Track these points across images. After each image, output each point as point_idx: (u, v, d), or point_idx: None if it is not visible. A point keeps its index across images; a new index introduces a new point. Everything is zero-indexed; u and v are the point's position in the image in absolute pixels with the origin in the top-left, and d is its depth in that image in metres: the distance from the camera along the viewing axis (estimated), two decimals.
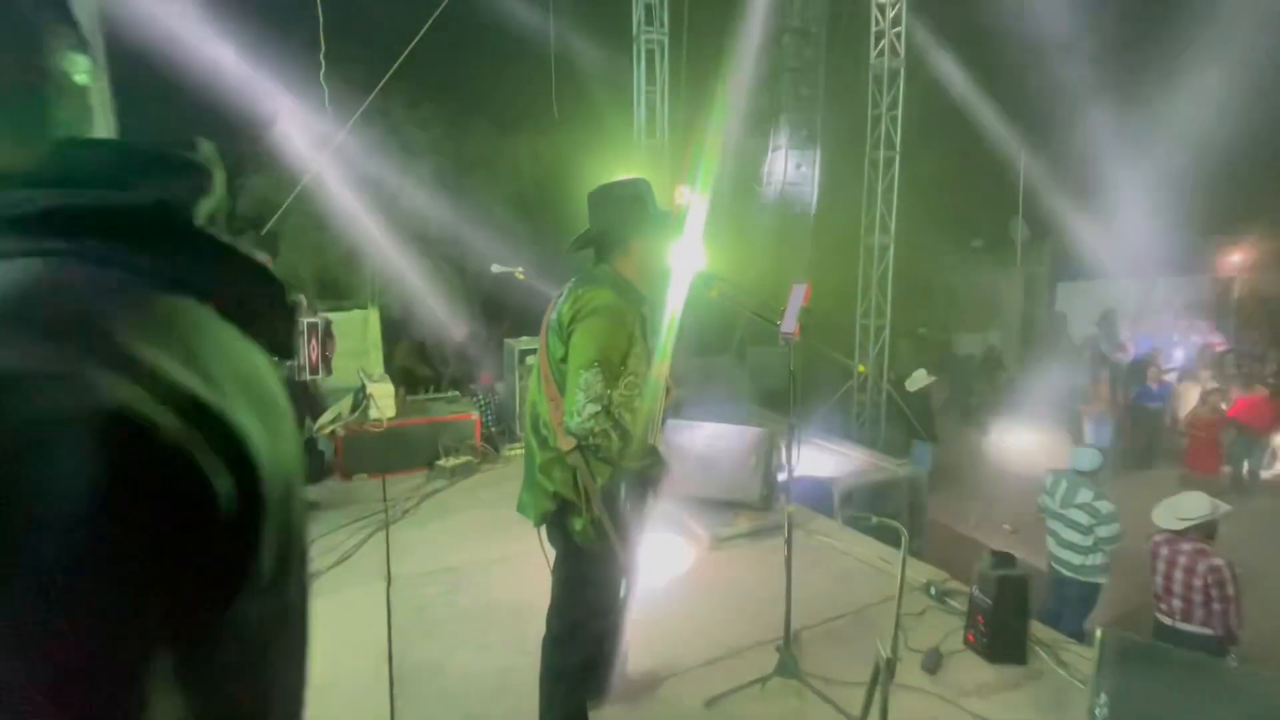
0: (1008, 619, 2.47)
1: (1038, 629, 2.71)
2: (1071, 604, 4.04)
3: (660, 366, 2.21)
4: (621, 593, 1.74)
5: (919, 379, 6.79)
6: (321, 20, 5.67)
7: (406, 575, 3.39)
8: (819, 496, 4.24)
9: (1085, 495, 3.89)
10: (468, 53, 8.30)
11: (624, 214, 1.81)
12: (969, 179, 9.61)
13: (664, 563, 3.49)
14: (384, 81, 6.49)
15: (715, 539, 3.61)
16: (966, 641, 2.60)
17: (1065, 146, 10.10)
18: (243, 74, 6.35)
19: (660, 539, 3.74)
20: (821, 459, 4.80)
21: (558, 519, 1.78)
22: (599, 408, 1.61)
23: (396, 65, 6.46)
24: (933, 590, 2.98)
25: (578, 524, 1.74)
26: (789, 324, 2.05)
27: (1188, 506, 3.36)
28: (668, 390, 2.11)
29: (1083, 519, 3.88)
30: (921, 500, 4.47)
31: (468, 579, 3.32)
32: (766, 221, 7.71)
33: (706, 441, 4.04)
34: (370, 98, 6.61)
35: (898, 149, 7.43)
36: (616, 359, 1.69)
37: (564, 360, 1.71)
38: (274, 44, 6.01)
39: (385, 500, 4.51)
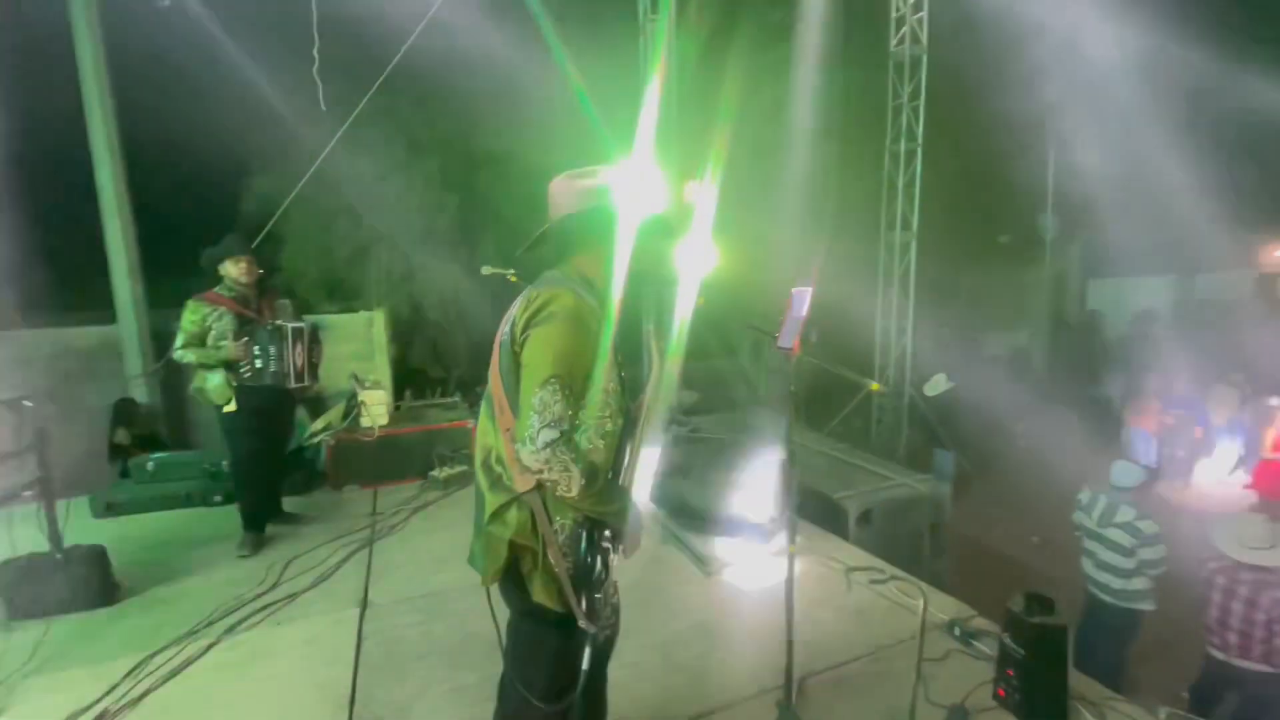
0: (1044, 673, 2.16)
1: (1081, 682, 2.39)
2: (1109, 631, 3.68)
3: (655, 374, 1.95)
4: (583, 666, 1.44)
5: (938, 384, 6.41)
6: (315, 13, 5.48)
7: (383, 602, 3.16)
8: (832, 515, 3.93)
9: (1126, 514, 3.54)
10: (474, 46, 8.07)
11: (589, 207, 1.53)
12: (994, 172, 9.14)
13: (654, 589, 3.22)
14: (383, 77, 6.30)
15: (716, 563, 3.33)
16: (996, 696, 2.29)
17: (1098, 135, 9.59)
18: (240, 71, 6.21)
19: (653, 561, 3.47)
20: (836, 473, 4.48)
21: (512, 574, 1.51)
22: (557, 434, 1.33)
23: (394, 62, 6.26)
24: (957, 630, 2.66)
25: (535, 580, 1.47)
26: (787, 338, 1.75)
27: (1254, 533, 2.99)
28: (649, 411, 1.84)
29: (1124, 540, 3.52)
30: (944, 518, 4.13)
31: (448, 605, 3.09)
32: (784, 217, 7.38)
33: (711, 454, 3.76)
34: (370, 94, 6.42)
35: (919, 141, 7.05)
36: (580, 373, 1.41)
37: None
38: (269, 40, 5.85)
39: (374, 514, 4.31)
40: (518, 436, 1.36)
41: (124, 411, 6.67)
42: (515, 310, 1.49)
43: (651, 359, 2.03)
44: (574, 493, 1.39)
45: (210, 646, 2.76)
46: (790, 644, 2.15)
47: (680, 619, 2.97)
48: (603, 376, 1.48)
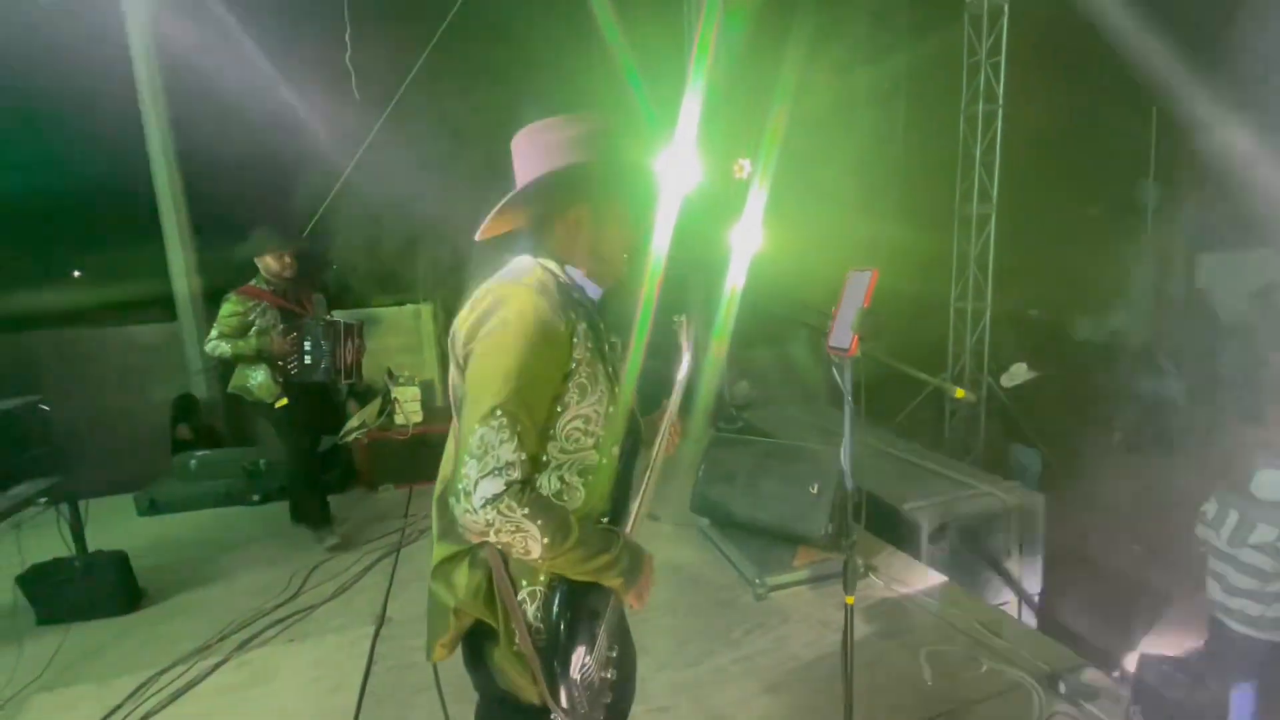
0: None
1: None
2: (1244, 667, 3.07)
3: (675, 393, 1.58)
4: None
5: (1017, 374, 5.72)
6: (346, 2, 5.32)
7: (402, 618, 2.94)
8: (902, 529, 3.44)
9: (1266, 533, 2.91)
10: (519, 33, 7.82)
11: (562, 164, 1.15)
12: (1085, 135, 8.14)
13: (693, 612, 2.85)
14: (417, 67, 6.12)
15: (762, 585, 2.93)
16: None
17: (1209, 90, 8.40)
18: (278, 66, 6.17)
19: (692, 580, 3.11)
20: (905, 478, 3.97)
21: (473, 646, 1.18)
22: (502, 485, 0.99)
23: (428, 50, 6.06)
24: (1062, 687, 2.17)
25: (497, 660, 1.14)
26: (841, 335, 1.34)
27: None
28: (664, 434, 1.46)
29: (1262, 563, 2.90)
30: (1036, 533, 3.56)
31: None
32: (844, 193, 6.78)
33: (758, 459, 3.35)
34: (406, 82, 6.27)
35: (1000, 102, 6.28)
36: (540, 399, 1.07)
37: None
38: (302, 30, 5.75)
39: (406, 516, 4.14)
40: (450, 489, 1.02)
41: (184, 407, 6.84)
42: (459, 315, 1.14)
43: (682, 358, 1.66)
44: (534, 555, 1.04)
45: (217, 666, 2.60)
46: (849, 708, 1.74)
47: (721, 651, 2.60)
48: (578, 395, 1.13)
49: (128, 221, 7.29)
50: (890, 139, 6.73)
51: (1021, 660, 2.37)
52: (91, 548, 3.20)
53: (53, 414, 3.30)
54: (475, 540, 1.08)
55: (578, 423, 1.14)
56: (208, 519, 4.29)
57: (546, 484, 1.14)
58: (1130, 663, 2.46)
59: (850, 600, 1.70)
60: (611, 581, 1.16)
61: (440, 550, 1.16)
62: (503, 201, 1.17)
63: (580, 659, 1.13)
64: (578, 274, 1.22)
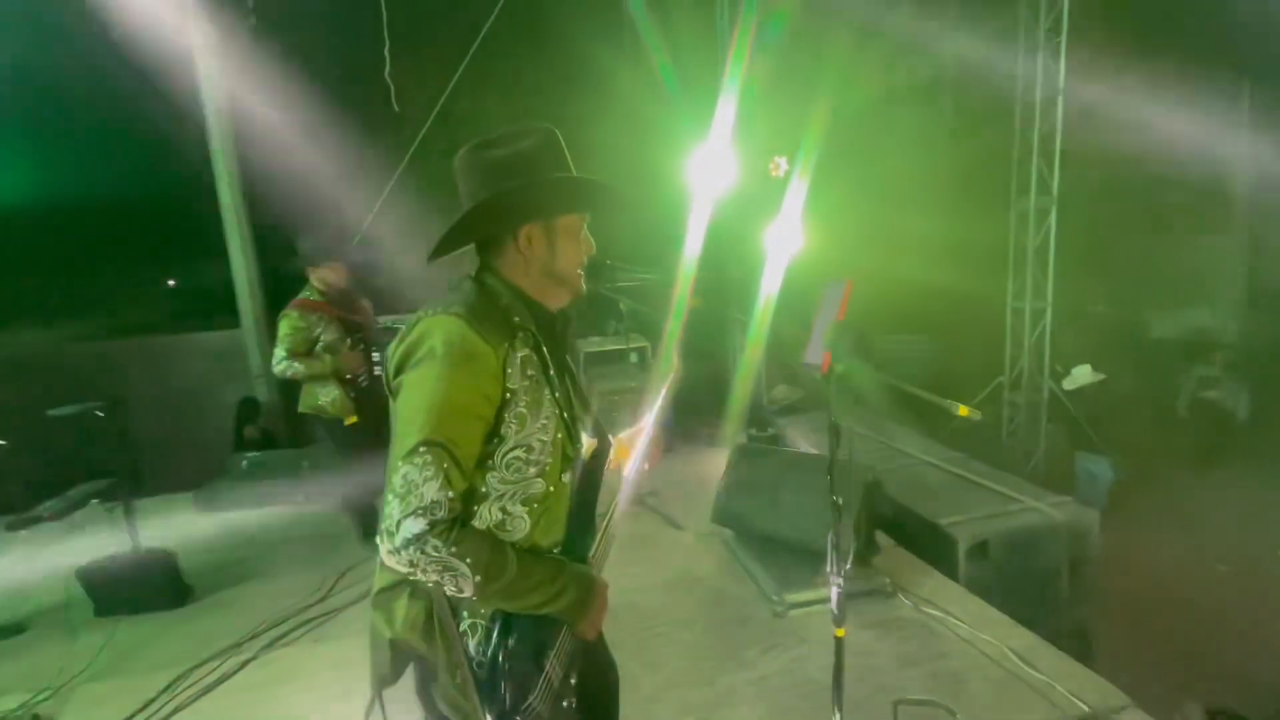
0: None
1: None
2: None
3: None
4: None
5: (1080, 376, 5.31)
6: (385, 16, 5.50)
7: None
8: (938, 546, 3.25)
9: None
10: (556, 39, 7.91)
11: (501, 185, 1.12)
12: (1164, 116, 7.50)
13: (712, 627, 2.77)
14: (456, 78, 6.25)
15: (781, 602, 2.82)
16: None
17: None
18: (321, 85, 6.44)
19: (712, 593, 3.03)
20: (945, 491, 3.76)
21: (420, 674, 1.16)
22: (425, 525, 0.96)
23: (466, 62, 6.19)
24: None
25: (440, 687, 1.11)
26: (815, 350, 1.26)
27: None
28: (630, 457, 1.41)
29: None
30: (1086, 553, 3.29)
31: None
32: (890, 184, 6.50)
33: (781, 469, 3.23)
34: (446, 93, 6.42)
35: (1060, 86, 5.86)
36: (469, 433, 1.03)
37: None
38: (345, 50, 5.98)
39: None
40: (377, 527, 1.00)
41: (248, 409, 7.24)
42: (390, 345, 1.12)
43: (672, 372, 1.60)
44: (467, 593, 1.01)
45: (244, 664, 2.71)
46: None
47: (734, 671, 2.52)
48: (516, 425, 1.09)
49: (198, 236, 7.78)
50: (936, 131, 6.39)
51: (1057, 698, 2.18)
52: (150, 545, 3.41)
53: (129, 416, 3.51)
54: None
55: (519, 452, 1.11)
56: (256, 518, 4.50)
57: (487, 515, 1.11)
58: (1194, 713, 2.23)
59: (840, 633, 1.60)
60: (558, 613, 1.12)
61: (381, 578, 1.15)
62: (444, 233, 1.14)
63: (525, 692, 1.09)
64: (526, 293, 1.18)
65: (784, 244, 5.44)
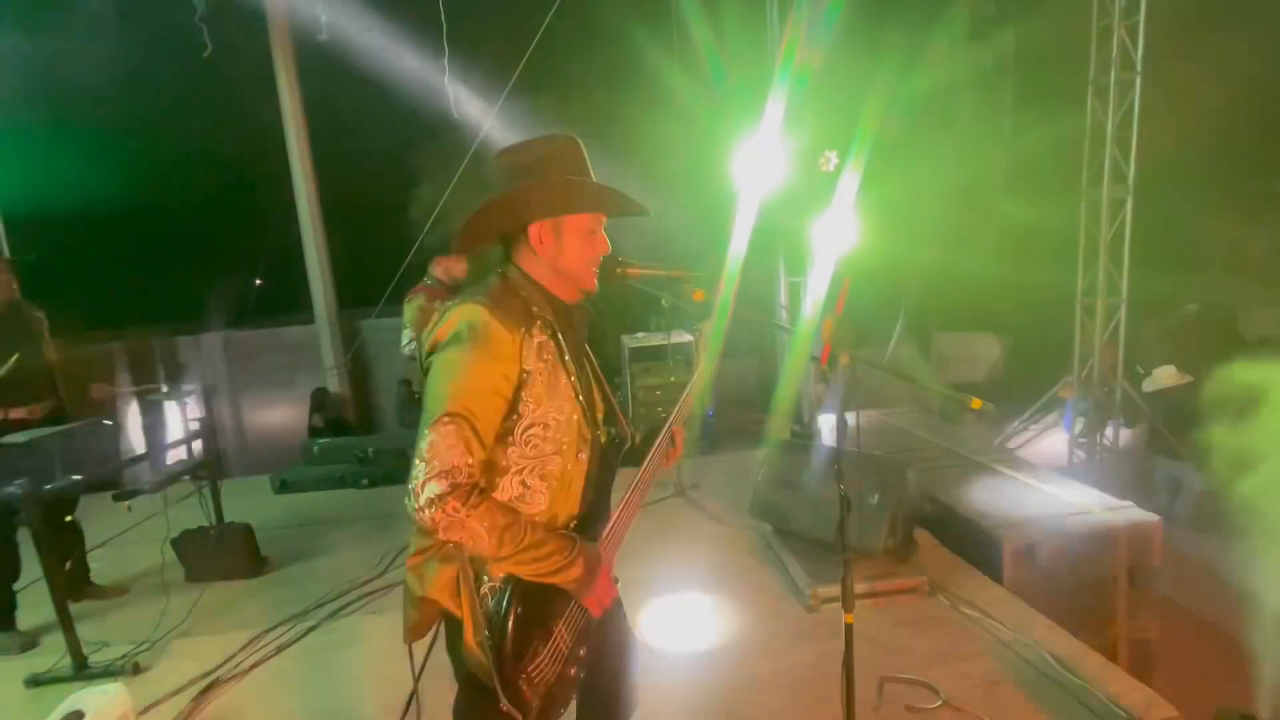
0: None
1: None
2: None
3: (699, 375, 1.60)
4: None
5: (1162, 377, 5.00)
6: (444, 22, 5.76)
7: None
8: (983, 547, 3.17)
9: None
10: (609, 39, 8.04)
11: (517, 188, 1.23)
12: (1258, 97, 6.89)
13: (746, 619, 2.82)
14: (513, 81, 6.47)
15: (816, 597, 2.83)
16: None
17: None
18: (393, 95, 6.81)
19: (748, 585, 3.07)
20: (994, 490, 3.64)
21: (449, 631, 1.29)
22: (446, 486, 1.07)
23: (524, 61, 6.39)
24: None
25: (463, 645, 1.23)
26: (818, 344, 1.30)
27: None
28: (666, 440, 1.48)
29: None
30: (1149, 561, 3.12)
31: None
32: (945, 181, 6.26)
33: (816, 465, 3.23)
34: (504, 95, 6.65)
35: (1138, 69, 5.50)
36: (489, 407, 1.15)
37: None
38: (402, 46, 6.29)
39: None
40: (408, 486, 1.12)
41: (320, 399, 7.74)
42: (426, 329, 1.24)
43: (696, 365, 1.68)
44: (486, 552, 1.13)
45: (310, 630, 2.97)
46: None
47: (766, 659, 2.56)
48: (534, 405, 1.20)
49: (279, 236, 8.37)
50: (998, 120, 6.11)
51: (1096, 704, 2.11)
52: (233, 520, 3.75)
53: (215, 402, 3.87)
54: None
55: (536, 429, 1.22)
56: (325, 499, 4.86)
57: (508, 487, 1.22)
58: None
59: (849, 619, 1.63)
60: (565, 584, 1.22)
61: (415, 542, 1.28)
62: (463, 226, 1.26)
63: (533, 655, 1.20)
64: (543, 286, 1.29)
65: (834, 240, 5.36)
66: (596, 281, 1.33)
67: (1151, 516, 3.17)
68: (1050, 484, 3.67)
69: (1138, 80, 5.55)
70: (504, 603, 1.19)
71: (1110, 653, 2.91)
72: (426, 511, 1.07)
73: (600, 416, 1.39)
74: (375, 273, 7.98)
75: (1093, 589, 3.06)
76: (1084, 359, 6.24)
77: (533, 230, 1.26)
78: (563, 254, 1.28)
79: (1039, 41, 5.96)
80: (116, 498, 3.10)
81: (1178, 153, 6.19)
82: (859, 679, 2.16)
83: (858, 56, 5.62)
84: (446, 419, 1.10)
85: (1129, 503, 3.33)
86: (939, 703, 2.20)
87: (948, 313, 8.32)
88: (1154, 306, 6.78)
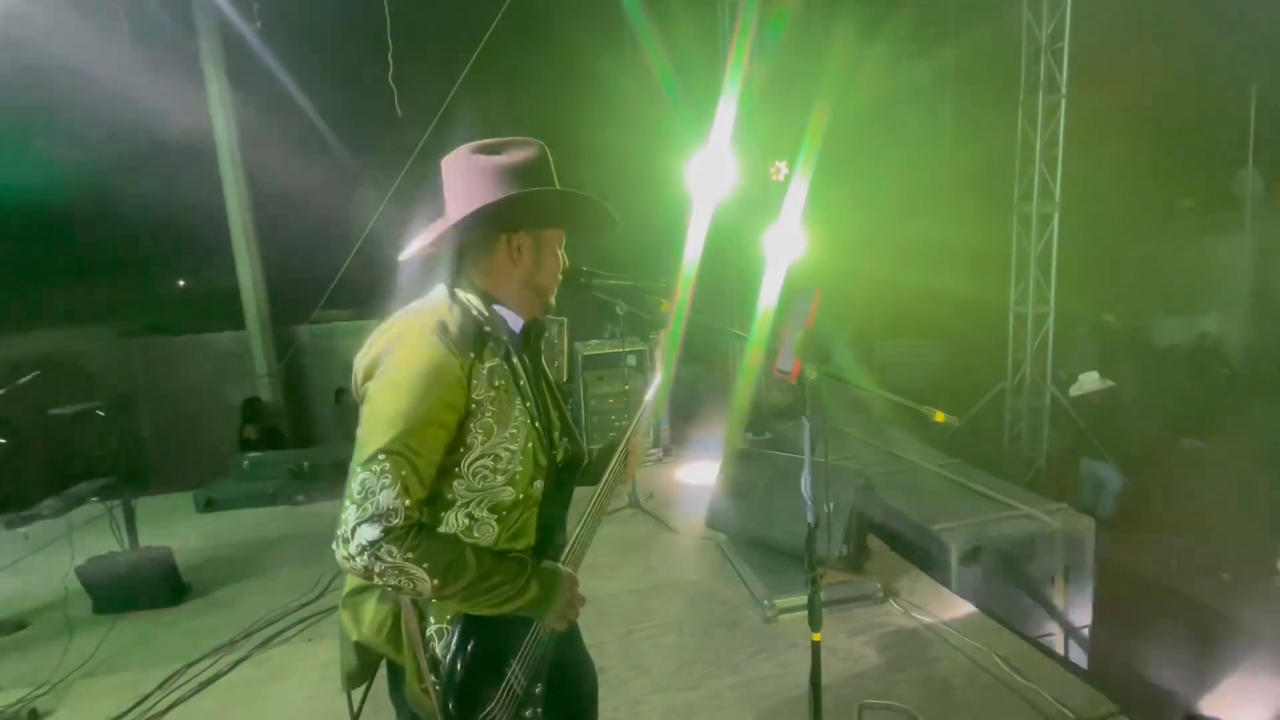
0: None
1: None
2: None
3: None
4: None
5: (1086, 382, 5.29)
6: (389, 20, 5.55)
7: None
8: (931, 552, 3.24)
9: None
10: (559, 43, 7.95)
11: (477, 194, 1.11)
12: (1171, 121, 7.45)
13: (700, 631, 2.78)
14: (459, 81, 6.30)
15: (771, 606, 2.82)
16: None
17: None
18: (323, 92, 6.52)
19: (704, 596, 3.03)
20: (940, 497, 3.74)
21: (391, 674, 1.18)
22: (379, 531, 0.96)
23: (470, 63, 6.24)
24: None
25: (408, 691, 1.12)
26: (786, 358, 1.27)
27: None
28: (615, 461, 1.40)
29: None
30: (1084, 559, 3.27)
31: None
32: (890, 188, 6.47)
33: (774, 474, 3.23)
34: (450, 95, 6.47)
35: (1063, 91, 5.85)
36: (431, 442, 1.03)
37: None
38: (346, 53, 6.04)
39: None
40: (336, 531, 1.01)
41: (252, 409, 7.29)
42: (359, 353, 1.11)
43: (651, 378, 1.61)
44: (426, 595, 1.02)
45: (238, 662, 2.74)
46: None
47: (721, 675, 2.52)
48: (482, 434, 1.09)
49: (206, 241, 7.86)
50: (937, 135, 6.37)
51: (1044, 705, 2.17)
52: (151, 543, 3.45)
53: (133, 415, 3.56)
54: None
55: (485, 461, 1.11)
56: (256, 517, 4.54)
57: (454, 521, 1.11)
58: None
59: (817, 637, 1.60)
60: (522, 611, 1.13)
61: (351, 579, 1.16)
62: (446, 226, 1.13)
63: (485, 700, 1.10)
64: (500, 307, 1.19)
65: (784, 249, 5.43)
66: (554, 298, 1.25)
67: (1085, 517, 3.32)
68: (989, 488, 3.80)
69: (1063, 103, 5.89)
70: (451, 645, 1.09)
71: (1050, 648, 3.03)
72: (359, 559, 0.97)
73: (556, 435, 1.30)
74: (312, 275, 7.61)
75: (1033, 588, 3.17)
76: (1016, 365, 6.55)
77: (515, 239, 1.16)
78: (541, 267, 1.19)
79: (976, 61, 6.24)
80: (10, 524, 2.79)
81: (1099, 172, 6.60)
82: (829, 687, 2.14)
83: (808, 70, 5.73)
84: (382, 455, 0.99)
85: (1064, 505, 3.47)
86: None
87: (888, 321, 8.60)
88: (1078, 317, 7.19)
